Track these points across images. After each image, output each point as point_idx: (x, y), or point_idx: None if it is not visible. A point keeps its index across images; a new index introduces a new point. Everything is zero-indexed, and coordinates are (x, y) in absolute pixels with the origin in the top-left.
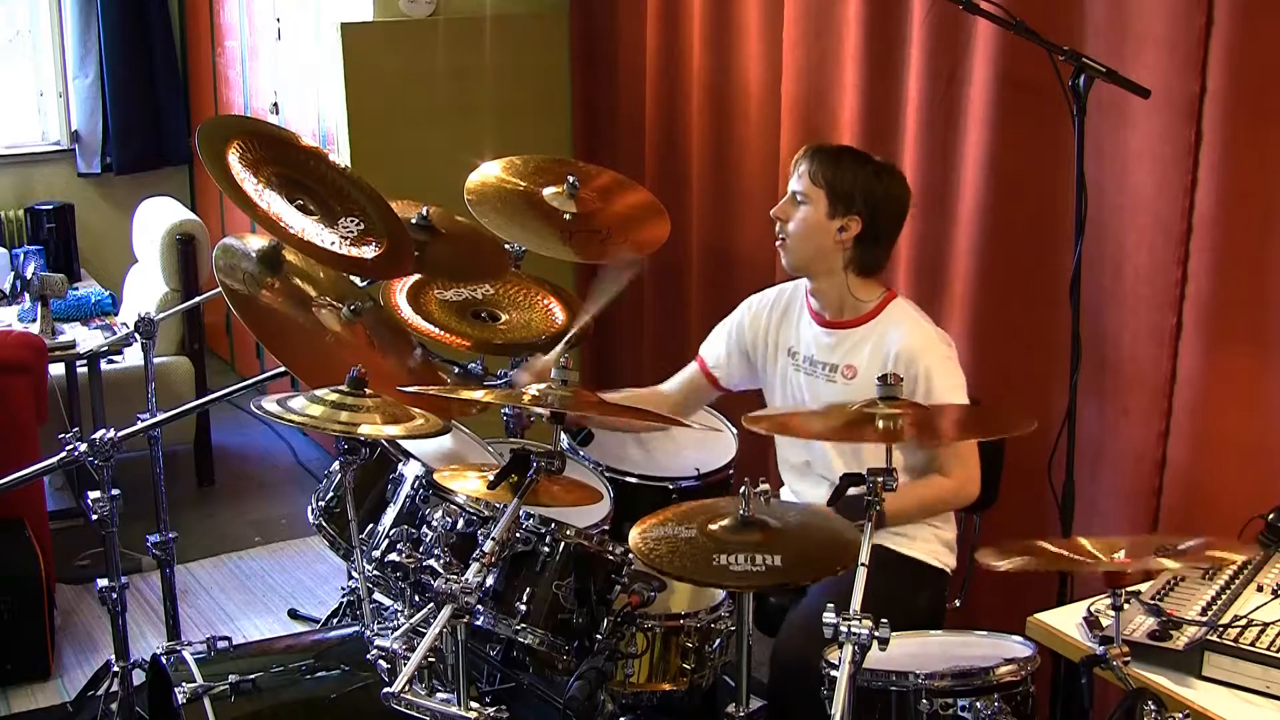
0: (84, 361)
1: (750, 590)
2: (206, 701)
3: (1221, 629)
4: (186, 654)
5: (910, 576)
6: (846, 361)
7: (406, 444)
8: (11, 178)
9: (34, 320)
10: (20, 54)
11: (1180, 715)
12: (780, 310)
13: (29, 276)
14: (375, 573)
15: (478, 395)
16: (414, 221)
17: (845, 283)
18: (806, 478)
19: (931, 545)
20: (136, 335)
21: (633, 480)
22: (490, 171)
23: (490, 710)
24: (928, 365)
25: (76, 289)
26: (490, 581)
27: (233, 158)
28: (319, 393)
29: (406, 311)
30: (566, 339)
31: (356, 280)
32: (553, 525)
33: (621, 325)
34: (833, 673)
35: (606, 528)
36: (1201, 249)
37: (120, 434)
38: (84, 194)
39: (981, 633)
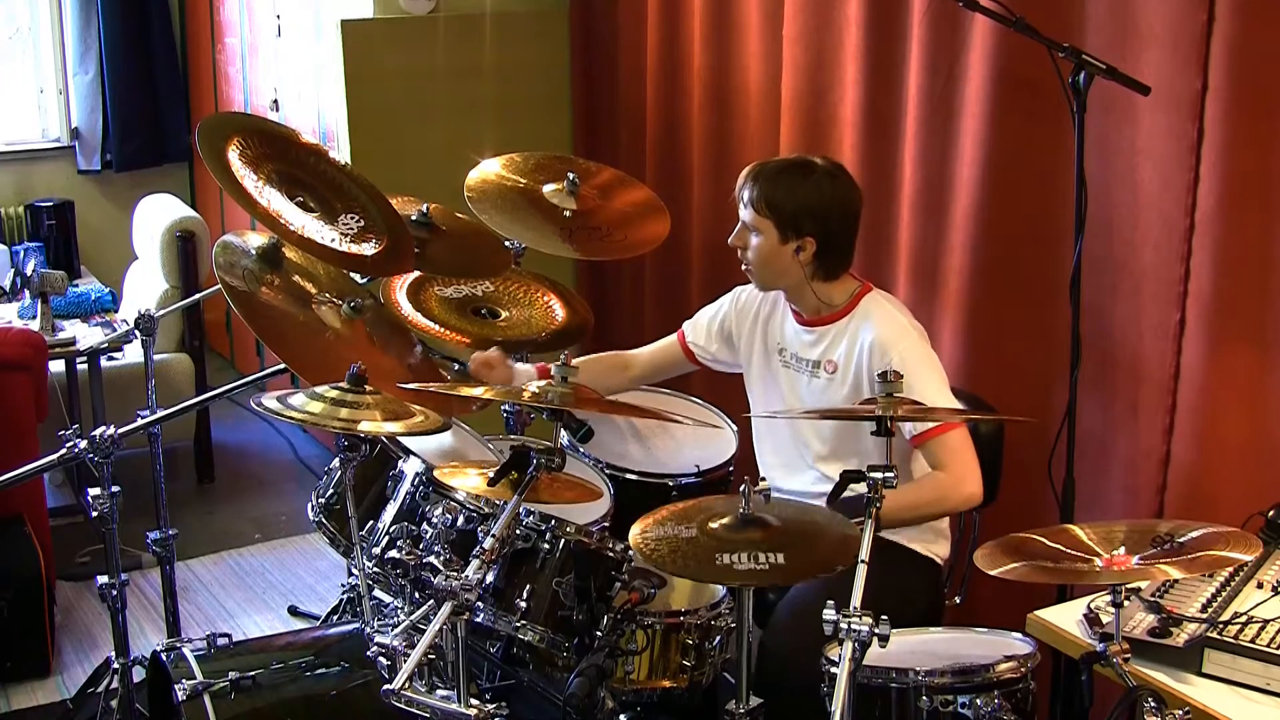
0: (84, 358)
1: (754, 586)
2: (206, 698)
3: (1221, 626)
4: (186, 651)
5: (899, 563)
6: (827, 357)
7: (407, 441)
8: (12, 175)
9: (34, 317)
10: (20, 51)
11: (1180, 712)
12: (769, 308)
13: (29, 273)
14: (375, 569)
15: (478, 392)
16: (414, 219)
17: (813, 291)
18: (795, 473)
19: (922, 534)
20: (136, 332)
21: (632, 477)
22: (490, 169)
23: (490, 707)
24: (901, 354)
25: (76, 286)
26: (490, 578)
27: (233, 155)
28: (319, 390)
29: (406, 308)
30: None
31: (356, 277)
32: (553, 522)
33: (622, 323)
34: (832, 669)
35: (606, 525)
36: (1204, 245)
37: (120, 431)
38: (84, 191)
39: (981, 630)
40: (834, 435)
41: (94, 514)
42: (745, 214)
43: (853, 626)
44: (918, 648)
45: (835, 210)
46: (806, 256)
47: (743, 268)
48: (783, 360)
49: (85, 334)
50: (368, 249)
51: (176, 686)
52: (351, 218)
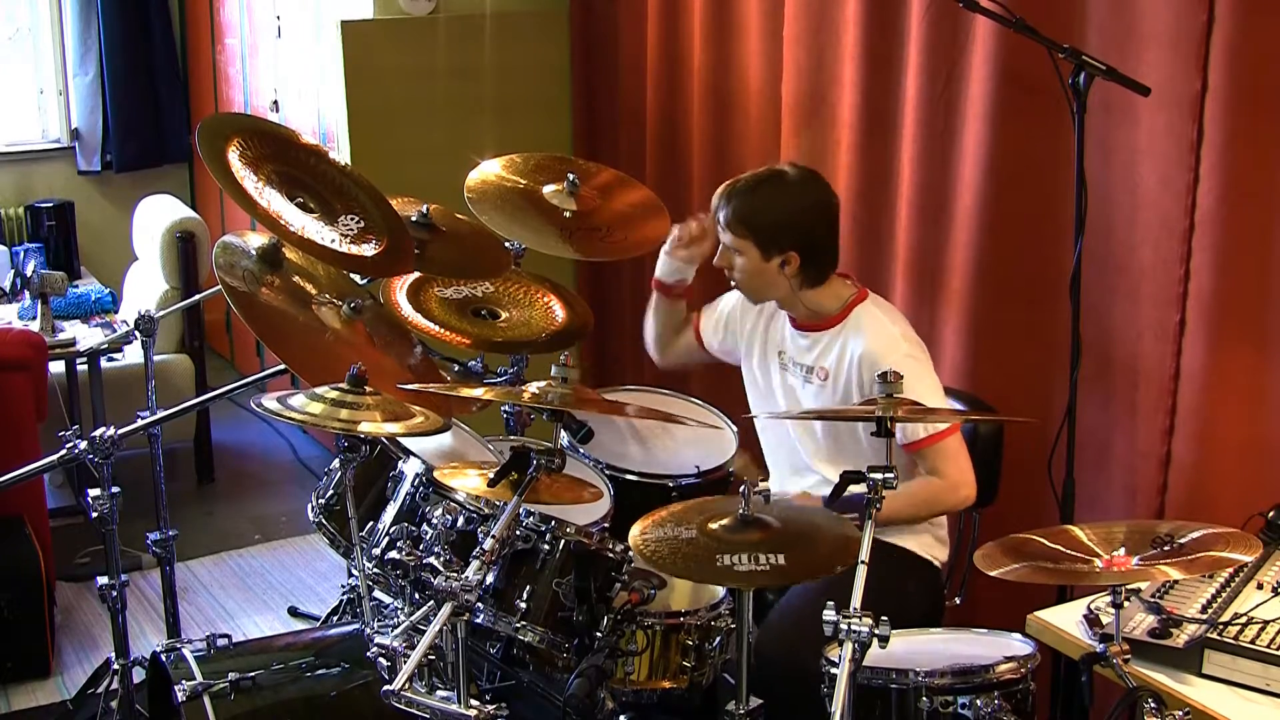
0: (84, 359)
1: (755, 588)
2: (206, 699)
3: (1221, 627)
4: (186, 651)
5: (898, 566)
6: (820, 364)
7: (407, 441)
8: (12, 175)
9: (34, 318)
10: (20, 52)
11: (1180, 713)
12: (769, 310)
13: (29, 274)
14: (375, 570)
15: (478, 393)
16: (414, 219)
17: (802, 300)
18: (797, 477)
19: (921, 537)
20: (136, 333)
21: (632, 478)
22: (490, 169)
23: (490, 708)
24: (890, 368)
25: (76, 287)
26: (490, 579)
27: (233, 155)
28: (319, 390)
29: (406, 309)
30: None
31: (356, 278)
32: (553, 523)
33: (622, 323)
34: (832, 670)
35: (606, 525)
36: (1204, 246)
37: (120, 431)
38: (84, 192)
39: (981, 630)
40: (828, 439)
41: (94, 514)
42: (725, 237)
43: (853, 627)
44: (918, 648)
45: (812, 218)
46: (792, 269)
47: (731, 285)
48: (781, 363)
49: (85, 335)
50: (368, 250)
51: (176, 687)
52: (351, 218)
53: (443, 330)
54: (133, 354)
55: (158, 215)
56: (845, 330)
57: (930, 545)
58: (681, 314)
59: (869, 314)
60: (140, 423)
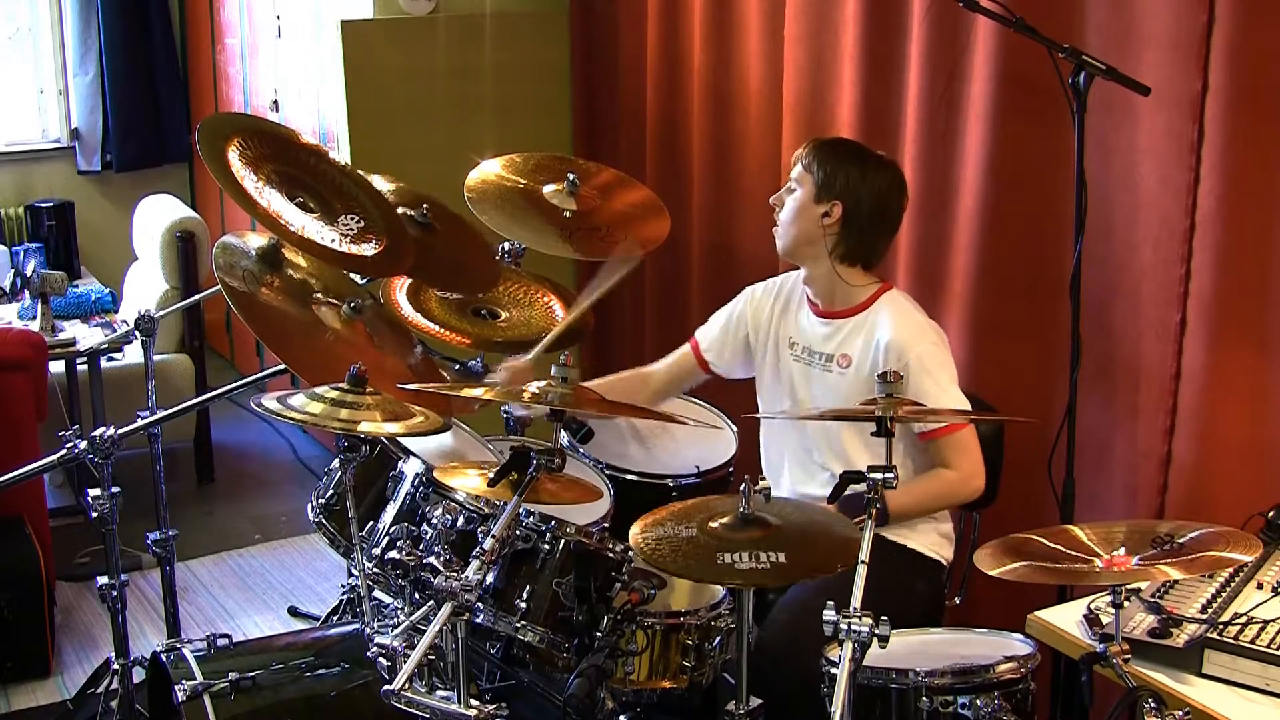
0: (84, 359)
1: (755, 587)
2: (206, 699)
3: (1221, 626)
4: (186, 651)
5: (906, 567)
6: (841, 351)
7: (406, 441)
8: (12, 175)
9: (34, 318)
10: (20, 51)
11: (1180, 713)
12: (782, 301)
13: (29, 274)
14: (375, 570)
15: (478, 393)
16: (415, 219)
17: (833, 270)
18: (802, 470)
19: (929, 537)
20: (136, 333)
21: (632, 477)
22: (490, 169)
23: (490, 708)
24: (918, 355)
25: (76, 286)
26: (490, 579)
27: (233, 155)
28: (319, 390)
29: (406, 309)
30: (550, 336)
31: (356, 278)
32: (553, 523)
33: (622, 323)
34: (832, 670)
35: (606, 525)
36: (1204, 246)
37: (120, 431)
38: (84, 191)
39: (981, 630)
40: (844, 432)
41: (94, 514)
42: (794, 171)
43: (853, 627)
44: (918, 648)
45: (869, 187)
46: (832, 223)
47: (773, 229)
48: (794, 354)
49: (85, 334)
50: (368, 249)
51: (176, 687)
52: (351, 218)
53: (443, 330)
54: (133, 354)
55: (158, 215)
56: (871, 317)
57: (936, 543)
58: (627, 387)
59: (895, 302)
60: (140, 423)
